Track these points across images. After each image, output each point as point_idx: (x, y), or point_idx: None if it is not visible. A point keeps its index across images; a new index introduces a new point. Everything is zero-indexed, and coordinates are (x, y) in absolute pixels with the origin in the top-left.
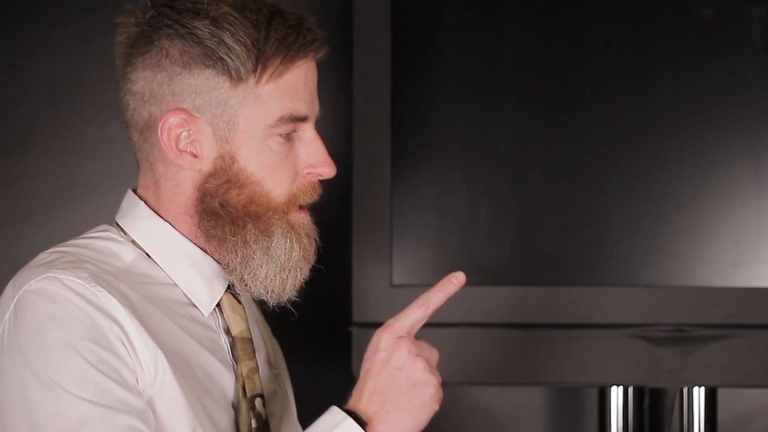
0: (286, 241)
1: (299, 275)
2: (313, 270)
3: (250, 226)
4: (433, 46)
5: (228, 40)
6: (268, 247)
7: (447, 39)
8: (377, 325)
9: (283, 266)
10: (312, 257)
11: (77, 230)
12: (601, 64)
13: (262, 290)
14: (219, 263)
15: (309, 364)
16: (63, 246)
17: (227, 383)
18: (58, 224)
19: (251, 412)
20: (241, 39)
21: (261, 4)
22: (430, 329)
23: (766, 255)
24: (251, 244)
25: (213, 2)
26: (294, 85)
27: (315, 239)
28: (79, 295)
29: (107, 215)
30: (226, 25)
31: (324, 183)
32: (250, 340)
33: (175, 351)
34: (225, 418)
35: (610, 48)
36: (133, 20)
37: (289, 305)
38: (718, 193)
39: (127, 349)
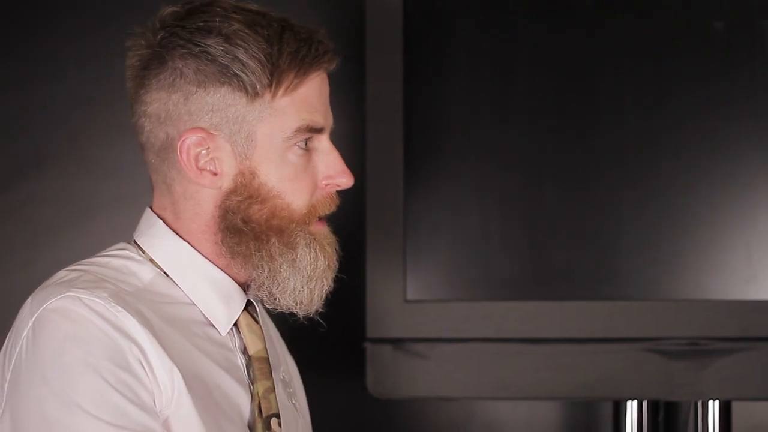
0: (311, 252)
1: (325, 284)
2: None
3: (274, 240)
4: (445, 61)
5: (242, 56)
6: (294, 259)
7: (459, 54)
8: (391, 340)
9: (310, 277)
10: (335, 266)
11: (89, 251)
12: (613, 78)
13: (291, 302)
14: (237, 282)
15: (323, 380)
16: (82, 264)
17: (243, 403)
18: (71, 245)
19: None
20: (255, 54)
21: (271, 19)
22: (445, 344)
23: None
24: (277, 257)
25: (224, 20)
26: (309, 98)
27: (336, 249)
28: (99, 314)
29: (119, 236)
30: (239, 42)
31: (338, 197)
32: (267, 360)
33: (191, 371)
34: None
35: (622, 62)
36: (144, 42)
37: (317, 317)
38: (731, 208)
39: (145, 369)
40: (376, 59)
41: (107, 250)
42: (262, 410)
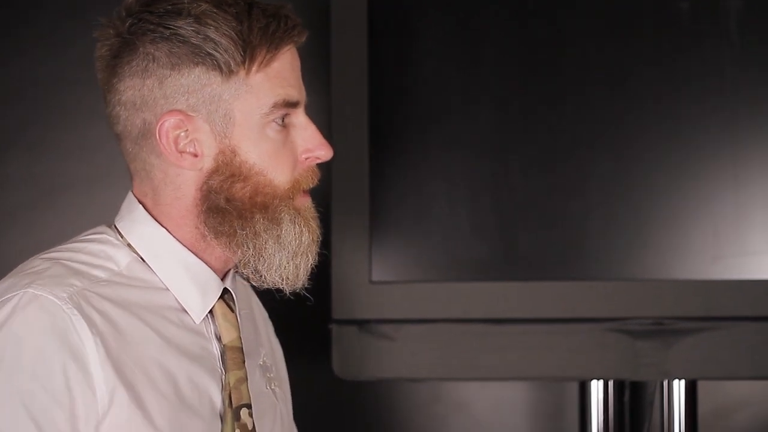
0: (295, 227)
1: (310, 259)
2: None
3: (258, 216)
4: (411, 42)
5: (213, 35)
6: (279, 235)
7: (426, 35)
8: (356, 322)
9: (295, 252)
10: (319, 240)
11: (60, 233)
12: (579, 60)
13: (277, 278)
14: (216, 270)
15: (289, 362)
16: (58, 251)
17: (215, 393)
18: (41, 227)
19: (236, 422)
20: (226, 32)
21: None
22: (410, 325)
23: (745, 248)
24: (262, 233)
25: (192, 1)
26: (282, 72)
27: (318, 224)
28: (49, 322)
29: (90, 219)
30: (209, 21)
31: (318, 170)
32: (240, 349)
33: (152, 368)
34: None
35: (588, 43)
36: (112, 31)
37: (303, 291)
38: (697, 187)
39: (77, 383)
40: (340, 42)
41: (87, 233)
42: (233, 400)
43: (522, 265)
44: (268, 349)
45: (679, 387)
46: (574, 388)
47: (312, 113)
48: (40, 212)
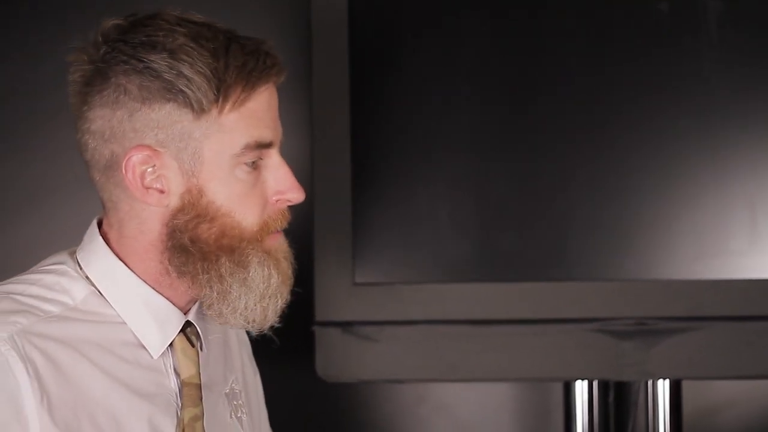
0: (264, 270)
1: (279, 301)
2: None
3: (223, 260)
4: (391, 42)
5: (187, 71)
6: (245, 278)
7: (406, 36)
8: (339, 324)
9: (263, 294)
10: (291, 280)
11: (35, 238)
12: (560, 59)
13: (242, 321)
14: (179, 304)
15: (271, 365)
16: (12, 283)
17: (169, 430)
18: (17, 230)
19: None
20: (200, 70)
21: (216, 31)
22: (394, 327)
23: (726, 247)
24: (226, 278)
25: (168, 34)
26: (257, 112)
27: (291, 261)
28: None
29: (64, 224)
30: (184, 57)
31: (289, 212)
32: (198, 386)
33: (99, 410)
34: None
35: (568, 43)
36: (86, 58)
37: (270, 333)
38: (677, 186)
39: (10, 428)
40: (321, 41)
41: (45, 261)
42: None
43: (505, 266)
44: (239, 374)
45: (663, 387)
46: (558, 388)
47: (293, 117)
48: (16, 216)
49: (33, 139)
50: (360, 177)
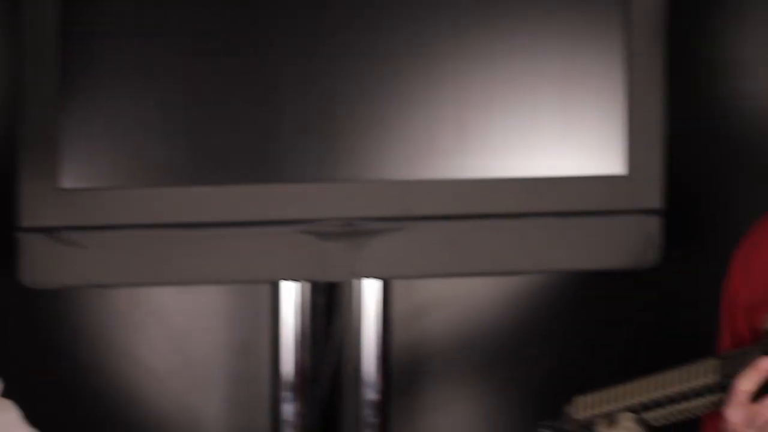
0: None
1: None
2: None
3: None
4: None
5: None
6: None
7: None
8: (44, 229)
9: None
10: None
11: None
12: None
13: None
14: None
15: None
16: None
17: None
18: None
19: None
20: None
21: None
22: (101, 232)
23: (437, 146)
24: None
25: None
26: None
27: None
28: None
29: None
30: None
31: None
32: None
33: None
34: None
35: None
36: None
37: None
38: (386, 88)
39: None
40: None
41: None
42: None
43: (212, 169)
44: None
45: (370, 287)
46: (267, 291)
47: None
48: None
49: None
50: (67, 80)
